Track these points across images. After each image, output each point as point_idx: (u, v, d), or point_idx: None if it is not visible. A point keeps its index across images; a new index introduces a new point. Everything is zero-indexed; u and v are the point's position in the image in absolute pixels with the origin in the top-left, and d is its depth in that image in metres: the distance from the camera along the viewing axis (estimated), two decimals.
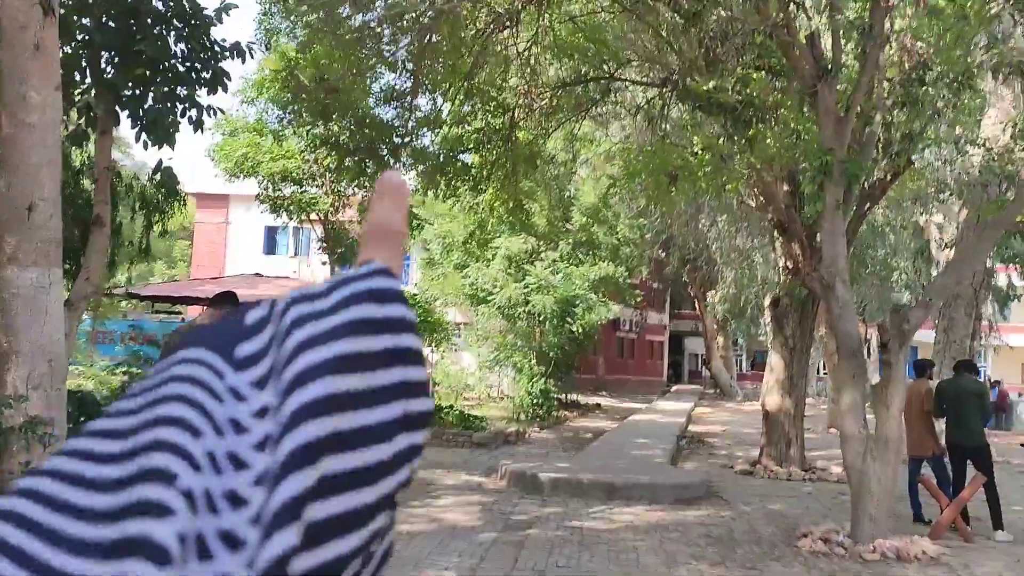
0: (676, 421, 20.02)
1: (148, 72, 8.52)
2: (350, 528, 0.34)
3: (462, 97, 12.83)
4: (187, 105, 8.59)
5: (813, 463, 12.20)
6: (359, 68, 9.94)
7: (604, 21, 12.28)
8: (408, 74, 11.19)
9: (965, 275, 8.44)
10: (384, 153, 11.66)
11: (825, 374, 31.00)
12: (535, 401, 18.29)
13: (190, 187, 34.81)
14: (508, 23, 11.07)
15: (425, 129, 13.06)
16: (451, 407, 14.73)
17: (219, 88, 8.84)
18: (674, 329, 49.58)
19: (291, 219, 14.58)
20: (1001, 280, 21.83)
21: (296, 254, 34.12)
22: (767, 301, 31.11)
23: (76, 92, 8.29)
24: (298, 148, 13.51)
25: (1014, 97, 14.22)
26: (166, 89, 8.53)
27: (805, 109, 8.20)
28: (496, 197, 15.54)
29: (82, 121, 8.67)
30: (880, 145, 8.66)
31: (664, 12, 10.39)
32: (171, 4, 8.13)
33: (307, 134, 12.00)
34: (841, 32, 7.49)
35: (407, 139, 11.89)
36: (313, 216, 14.64)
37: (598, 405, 25.41)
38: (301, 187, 14.29)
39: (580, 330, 20.00)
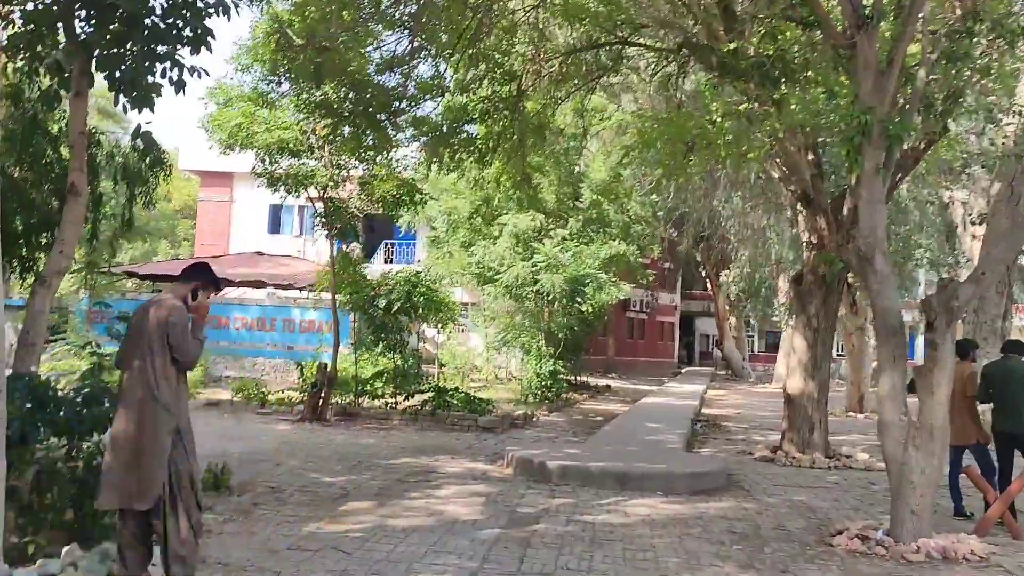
0: (689, 404, 19.39)
1: (125, 29, 7.84)
2: None
3: (466, 61, 12.12)
4: (168, 64, 7.92)
5: (837, 449, 11.56)
6: (352, 24, 9.24)
7: None
8: (407, 33, 10.48)
9: (1017, 248, 7.69)
10: (383, 121, 10.96)
11: (840, 355, 30.32)
12: (544, 383, 17.70)
13: (193, 165, 34.35)
14: None
15: (427, 97, 12.36)
16: (456, 389, 14.15)
17: (202, 47, 8.15)
18: (685, 309, 48.86)
19: (288, 194, 13.93)
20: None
21: (301, 233, 33.51)
22: (781, 280, 30.43)
23: (44, 50, 7.63)
24: (291, 115, 12.82)
25: None
26: (144, 48, 7.85)
27: (840, 66, 7.46)
28: (503, 170, 14.86)
29: (54, 82, 8.02)
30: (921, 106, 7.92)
31: None
32: None
33: (299, 99, 11.33)
34: None
35: (406, 103, 11.19)
36: (312, 192, 13.98)
37: (608, 387, 24.82)
38: (299, 160, 13.63)
39: (590, 310, 19.35)
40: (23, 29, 7.56)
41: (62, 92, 8.13)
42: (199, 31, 8.19)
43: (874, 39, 6.79)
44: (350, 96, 10.42)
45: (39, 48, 7.73)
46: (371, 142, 11.86)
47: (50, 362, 15.69)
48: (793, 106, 9.67)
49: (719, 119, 10.43)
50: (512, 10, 12.71)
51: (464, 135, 13.60)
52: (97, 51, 7.87)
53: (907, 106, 7.18)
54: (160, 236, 40.06)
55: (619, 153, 17.57)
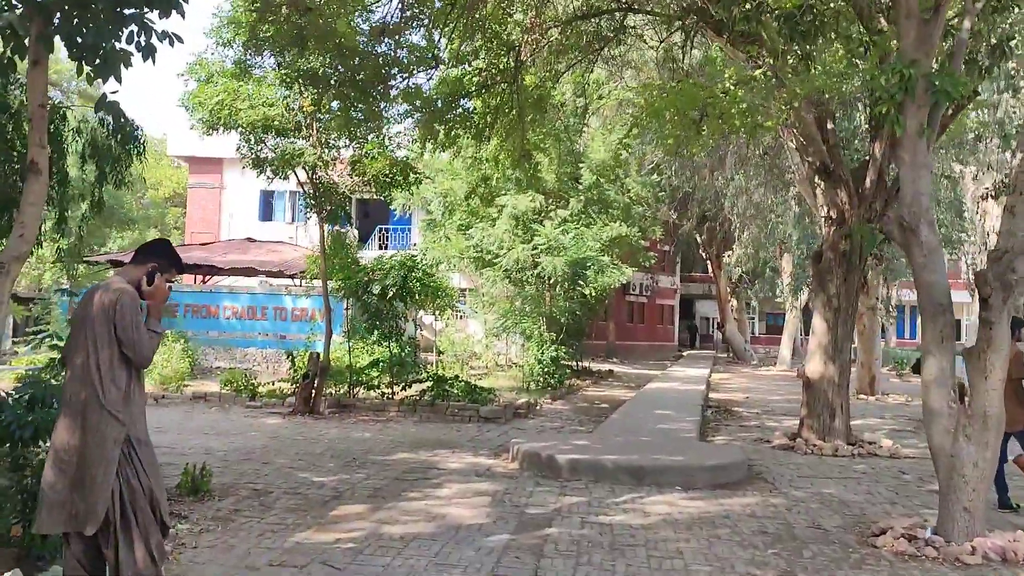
0: (696, 389, 18.80)
1: None
2: None
3: (461, 31, 11.39)
4: (135, 29, 7.18)
5: (860, 435, 10.95)
6: None
7: None
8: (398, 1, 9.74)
9: None
10: (372, 92, 10.22)
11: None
12: (545, 369, 17.06)
13: (182, 151, 33.51)
14: None
15: (420, 68, 11.62)
16: (456, 378, 13.50)
17: (173, 10, 7.40)
18: (684, 292, 48.25)
19: (275, 176, 13.18)
20: None
21: (293, 219, 32.77)
22: (785, 261, 29.73)
23: None
24: (277, 92, 12.08)
25: None
26: (108, 10, 7.11)
27: (877, 15, 6.77)
28: (501, 148, 14.16)
29: (8, 49, 7.27)
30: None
31: None
32: None
33: (281, 69, 10.59)
34: None
35: (397, 73, 10.47)
36: (300, 173, 13.25)
37: (611, 372, 24.22)
38: (286, 139, 12.89)
39: (592, 294, 18.70)
40: None
41: (17, 59, 7.39)
42: None
43: None
44: (336, 64, 9.67)
45: None
46: (360, 116, 11.12)
47: (29, 355, 15.01)
48: (813, 71, 9.01)
49: (732, 87, 9.76)
50: None
51: (460, 110, 12.89)
52: (56, 14, 7.12)
53: (950, 60, 6.50)
54: (149, 224, 39.22)
55: (621, 130, 16.89)
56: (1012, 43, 7.64)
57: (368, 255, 18.05)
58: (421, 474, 8.00)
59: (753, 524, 6.39)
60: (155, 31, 7.33)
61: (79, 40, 7.22)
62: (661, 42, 11.70)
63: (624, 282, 22.19)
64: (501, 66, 12.80)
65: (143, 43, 7.40)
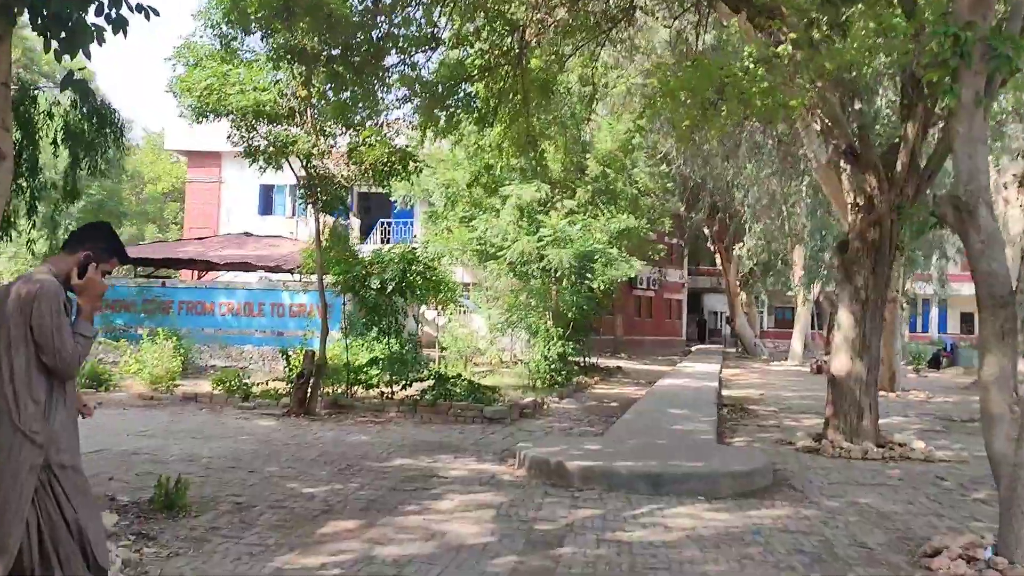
0: (709, 386, 18.14)
1: None
2: None
3: (461, 7, 10.73)
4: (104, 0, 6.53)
5: (889, 436, 10.29)
6: None
7: None
8: None
9: None
10: (366, 71, 9.56)
11: None
12: (552, 367, 16.42)
13: (180, 145, 32.92)
14: None
15: (418, 49, 10.97)
16: (459, 376, 12.85)
17: None
18: (692, 286, 47.56)
19: (268, 165, 12.55)
20: None
21: (294, 214, 32.14)
22: (796, 253, 29.02)
23: None
24: (269, 76, 11.44)
25: None
26: None
27: None
28: (505, 135, 13.50)
29: None
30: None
31: None
32: None
33: (265, 39, 9.95)
34: None
35: (393, 48, 9.81)
36: (295, 163, 12.62)
37: (619, 368, 23.58)
38: (279, 126, 12.26)
39: (600, 287, 18.04)
40: None
41: None
42: None
43: None
44: (326, 38, 9.01)
45: None
46: (354, 99, 10.47)
47: None
48: (840, 45, 8.33)
49: (752, 65, 9.08)
50: None
51: (462, 94, 12.25)
52: None
53: (1005, 23, 5.82)
54: (147, 220, 38.68)
55: (630, 119, 16.20)
56: None
57: (370, 249, 17.42)
58: (420, 483, 7.37)
59: (787, 541, 5.74)
60: (127, 2, 6.64)
61: (43, 11, 6.56)
62: (675, 19, 11.02)
63: (632, 275, 21.55)
64: (504, 48, 12.15)
65: (114, 15, 6.71)
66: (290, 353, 12.71)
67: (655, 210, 23.97)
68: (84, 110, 8.08)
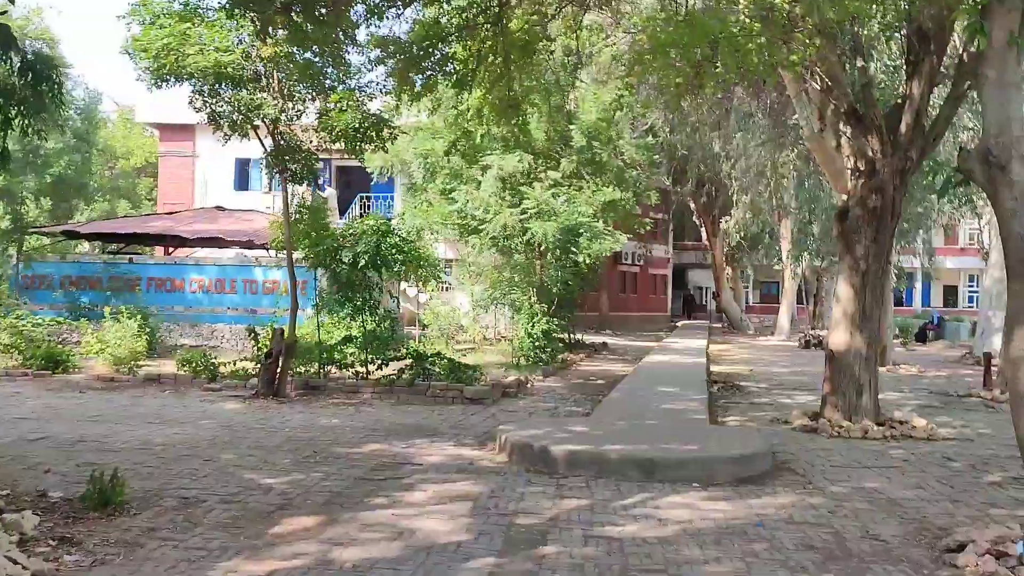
0: (697, 362, 17.65)
1: None
2: None
3: None
4: None
5: (889, 414, 9.80)
6: None
7: None
8: None
9: None
10: (327, 20, 8.77)
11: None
12: (536, 344, 15.83)
13: (152, 117, 31.85)
14: None
15: (390, 5, 10.21)
16: (438, 355, 12.23)
17: None
18: (677, 261, 47.06)
19: (234, 132, 11.77)
20: None
21: (271, 189, 31.11)
22: (784, 226, 28.50)
23: None
24: (226, 31, 10.67)
25: None
26: None
27: None
28: (484, 100, 12.76)
29: None
30: None
31: None
32: None
33: None
34: None
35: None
36: (262, 130, 11.86)
37: (604, 345, 23.05)
38: (244, 90, 11.47)
39: (585, 262, 17.41)
40: None
41: None
42: None
43: None
44: None
45: None
46: (322, 54, 9.73)
47: None
48: None
49: (748, 19, 8.43)
50: None
51: (438, 55, 11.50)
52: None
53: None
54: (120, 195, 37.55)
55: (616, 87, 15.43)
56: None
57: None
58: (392, 472, 6.77)
59: (795, 534, 5.19)
60: None
61: None
62: None
63: (618, 250, 20.93)
64: (483, 4, 11.41)
65: None
66: (259, 332, 12.03)
67: (641, 183, 23.30)
68: (13, 63, 7.29)
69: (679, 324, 39.29)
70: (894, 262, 23.10)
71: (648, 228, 26.29)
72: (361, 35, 11.39)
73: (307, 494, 5.93)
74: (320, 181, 26.21)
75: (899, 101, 9.46)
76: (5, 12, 6.16)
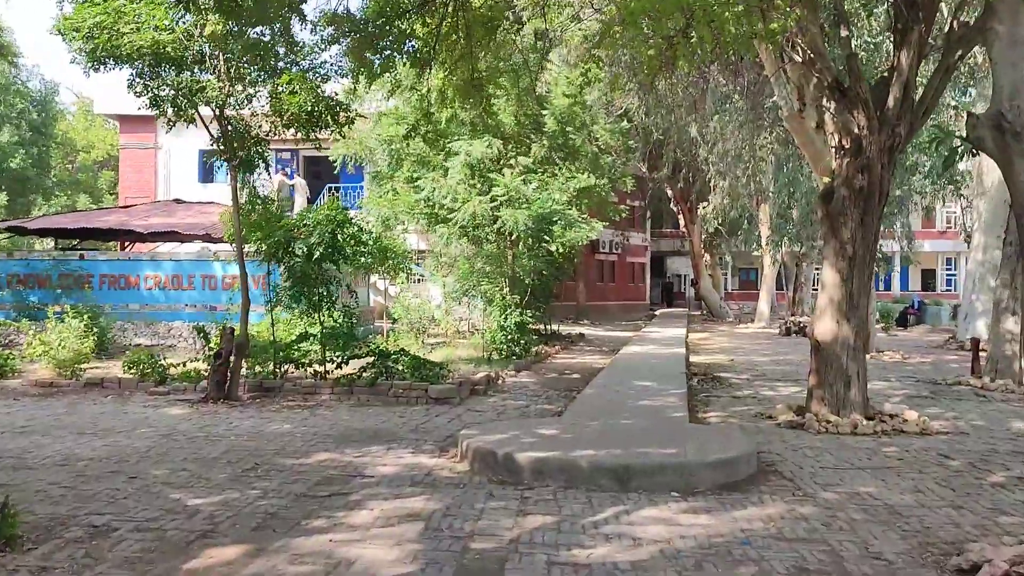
0: (676, 352, 17.10)
1: None
2: None
3: None
4: None
5: (878, 406, 9.26)
6: None
7: None
8: None
9: None
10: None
11: (815, 290, 28.21)
12: (509, 337, 15.18)
13: (112, 108, 30.71)
14: None
15: None
16: (402, 352, 11.52)
17: None
18: (655, 249, 46.63)
19: (178, 118, 10.98)
20: None
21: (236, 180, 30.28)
22: (762, 212, 28.02)
23: None
24: (166, 8, 9.87)
25: None
26: None
27: None
28: (447, 81, 12.05)
29: None
30: None
31: None
32: None
33: None
34: None
35: None
36: (208, 116, 11.08)
37: (581, 336, 22.48)
38: (186, 72, 10.67)
39: (559, 251, 16.77)
40: None
41: None
42: None
43: None
44: None
45: None
46: (273, 32, 8.98)
47: None
48: None
49: None
50: None
51: (396, 32, 10.77)
52: None
53: None
54: (81, 190, 36.32)
55: (588, 59, 14.76)
56: None
57: None
58: (339, 486, 6.09)
59: (786, 554, 4.59)
60: None
61: None
62: None
63: (594, 238, 20.32)
64: None
65: None
66: (208, 330, 11.26)
67: (616, 169, 22.68)
68: None
69: (658, 313, 38.85)
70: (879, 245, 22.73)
71: (625, 215, 25.73)
72: (309, 10, 10.62)
73: (237, 517, 5.24)
74: (287, 170, 25.43)
75: (885, 74, 8.88)
76: None
